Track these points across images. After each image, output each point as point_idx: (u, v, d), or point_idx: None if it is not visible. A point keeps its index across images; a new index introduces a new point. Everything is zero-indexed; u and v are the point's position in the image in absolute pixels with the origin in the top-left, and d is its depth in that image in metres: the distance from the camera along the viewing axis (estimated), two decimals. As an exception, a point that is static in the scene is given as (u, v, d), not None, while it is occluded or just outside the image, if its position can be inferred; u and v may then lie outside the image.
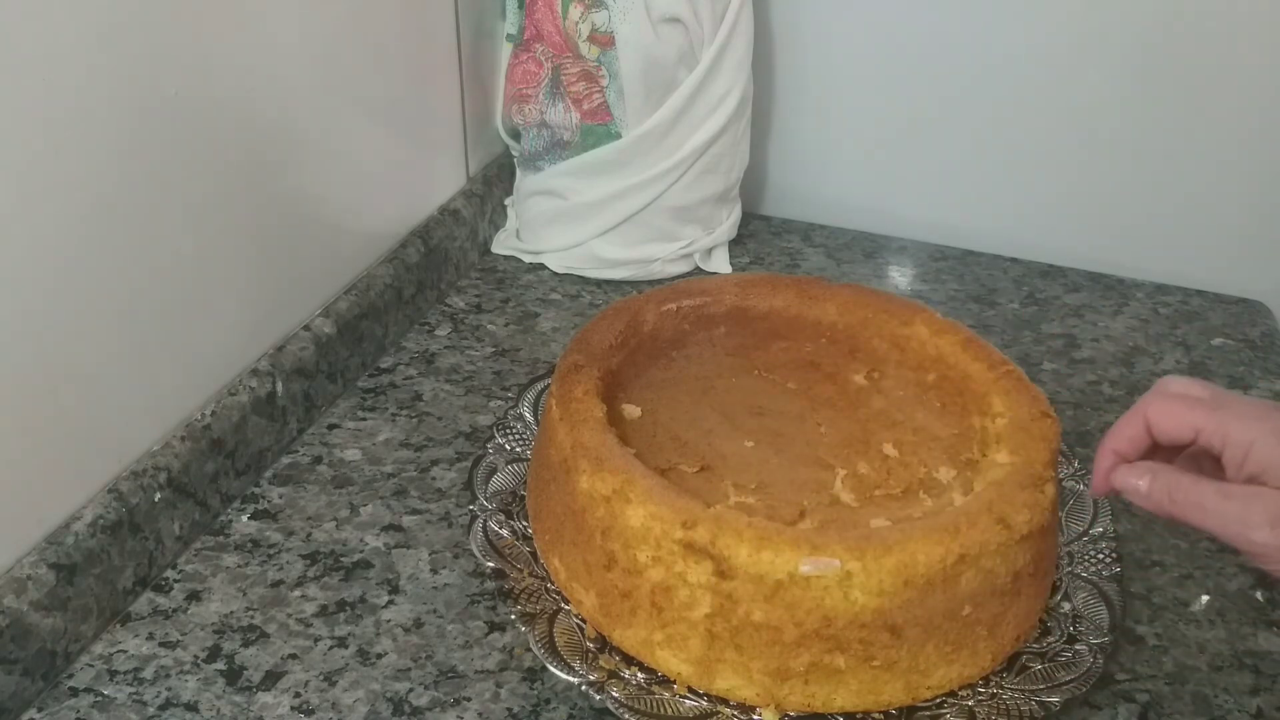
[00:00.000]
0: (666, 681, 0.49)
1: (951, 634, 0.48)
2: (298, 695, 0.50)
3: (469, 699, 0.50)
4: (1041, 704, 0.48)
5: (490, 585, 0.56)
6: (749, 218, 0.92)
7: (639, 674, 0.49)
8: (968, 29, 0.84)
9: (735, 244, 0.89)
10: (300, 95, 0.64)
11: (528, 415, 0.64)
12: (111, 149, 0.51)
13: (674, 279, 0.84)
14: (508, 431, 0.63)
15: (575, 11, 0.77)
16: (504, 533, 0.56)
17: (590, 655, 0.50)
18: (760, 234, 0.93)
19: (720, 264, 0.87)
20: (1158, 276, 0.87)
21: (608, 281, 0.84)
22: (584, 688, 0.48)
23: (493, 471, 0.60)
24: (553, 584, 0.53)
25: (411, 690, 0.51)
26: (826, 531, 0.47)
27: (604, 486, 0.48)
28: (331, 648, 0.53)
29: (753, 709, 0.48)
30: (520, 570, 0.54)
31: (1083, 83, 0.83)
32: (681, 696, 0.48)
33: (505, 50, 0.83)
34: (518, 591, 0.52)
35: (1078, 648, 0.51)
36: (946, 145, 0.89)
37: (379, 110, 0.72)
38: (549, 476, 0.53)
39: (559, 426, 0.52)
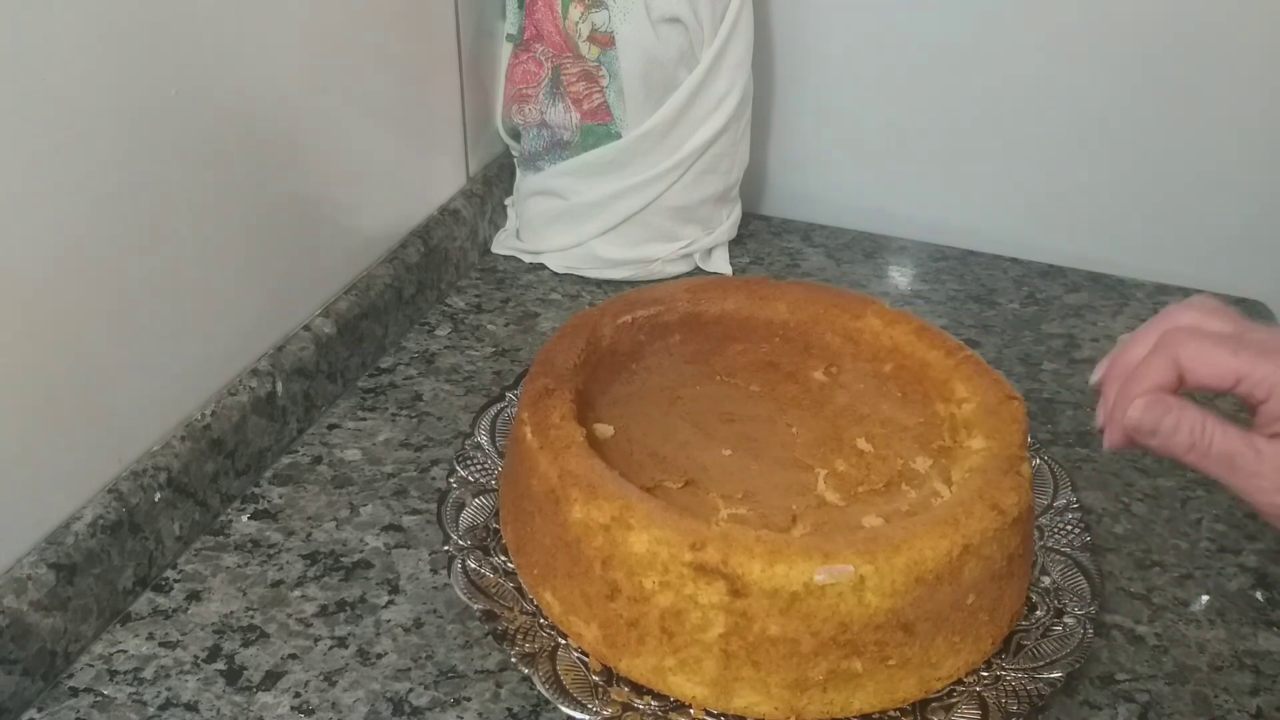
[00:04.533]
0: (681, 706, 0.48)
1: (958, 624, 0.48)
2: (298, 695, 0.50)
3: (469, 699, 0.50)
4: (1047, 681, 0.49)
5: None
6: (749, 218, 0.92)
7: (652, 702, 0.48)
8: (968, 29, 0.84)
9: (735, 244, 0.89)
10: (300, 95, 0.64)
11: (485, 444, 0.62)
12: (111, 149, 0.51)
13: (674, 279, 0.84)
14: (468, 463, 0.61)
15: (575, 11, 0.77)
16: (485, 571, 0.54)
17: (599, 689, 0.48)
18: (760, 234, 0.93)
19: (720, 264, 0.87)
20: (1158, 276, 0.87)
21: (608, 281, 0.84)
22: None
23: (461, 506, 0.57)
24: (545, 619, 0.51)
25: (411, 690, 0.51)
26: (834, 538, 0.47)
27: (600, 515, 0.47)
28: (331, 648, 0.53)
29: None
30: (510, 609, 0.52)
31: (1083, 83, 0.83)
32: None
33: (505, 50, 0.83)
34: (512, 631, 0.50)
35: (1066, 620, 0.52)
36: (946, 145, 0.89)
37: (379, 110, 0.72)
38: (532, 508, 0.51)
39: (539, 455, 0.51)
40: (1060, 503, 0.59)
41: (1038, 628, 0.52)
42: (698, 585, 0.45)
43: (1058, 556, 0.56)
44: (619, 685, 0.49)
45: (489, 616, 0.51)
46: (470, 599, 0.52)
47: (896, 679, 0.47)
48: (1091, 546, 0.56)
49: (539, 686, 0.48)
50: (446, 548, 0.55)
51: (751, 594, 0.45)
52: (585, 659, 0.50)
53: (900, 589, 0.45)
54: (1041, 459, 0.61)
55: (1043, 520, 0.58)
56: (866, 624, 0.45)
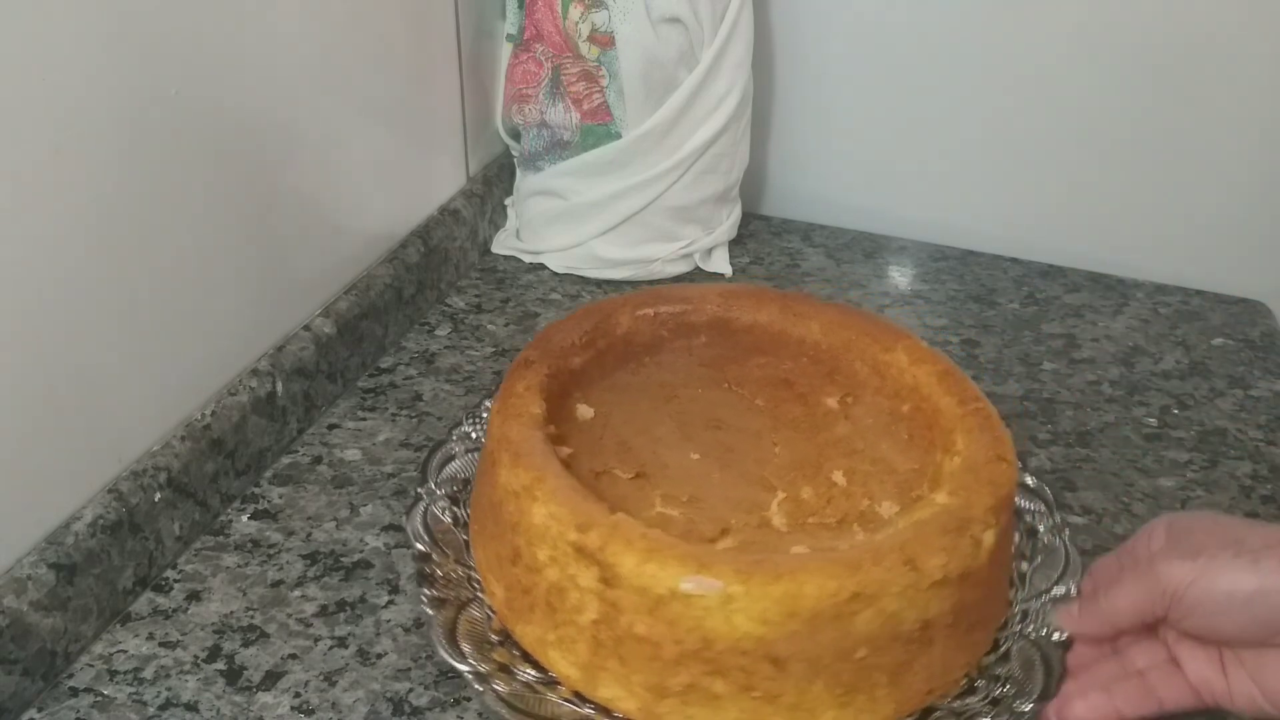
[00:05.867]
0: (554, 683, 0.48)
1: (844, 675, 0.45)
2: (298, 695, 0.50)
3: (469, 699, 0.50)
4: None
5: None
6: (749, 218, 0.92)
7: (530, 672, 0.48)
8: (968, 29, 0.84)
9: (735, 244, 0.89)
10: (300, 95, 0.64)
11: None
12: (111, 149, 0.51)
13: (674, 279, 0.84)
14: (476, 419, 0.62)
15: (575, 11, 0.77)
16: (445, 519, 0.55)
17: (488, 647, 0.49)
18: (760, 234, 0.93)
19: (720, 264, 0.87)
20: (1158, 276, 0.87)
21: (608, 281, 0.84)
22: (469, 676, 0.47)
23: (450, 458, 0.59)
24: (477, 574, 0.52)
25: (411, 690, 0.51)
26: (723, 553, 0.45)
27: (516, 481, 0.48)
28: (331, 648, 0.53)
29: None
30: (448, 557, 0.53)
31: (1083, 83, 0.83)
32: (564, 700, 0.47)
33: (505, 50, 0.83)
34: (437, 577, 0.51)
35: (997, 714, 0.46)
36: (946, 145, 0.89)
37: (379, 110, 0.72)
38: (484, 468, 0.53)
39: (494, 418, 0.53)
40: (1059, 591, 0.52)
41: (964, 712, 0.47)
42: (578, 566, 0.46)
43: (1029, 645, 0.50)
44: (510, 649, 0.49)
45: (423, 559, 0.52)
46: (415, 540, 0.53)
47: (763, 713, 0.45)
48: (1069, 644, 0.49)
49: (431, 630, 0.49)
50: (419, 490, 0.56)
51: (621, 586, 0.44)
52: (492, 617, 0.51)
53: (772, 618, 0.43)
54: (1062, 539, 0.55)
55: (1031, 605, 0.52)
56: (731, 646, 0.44)
